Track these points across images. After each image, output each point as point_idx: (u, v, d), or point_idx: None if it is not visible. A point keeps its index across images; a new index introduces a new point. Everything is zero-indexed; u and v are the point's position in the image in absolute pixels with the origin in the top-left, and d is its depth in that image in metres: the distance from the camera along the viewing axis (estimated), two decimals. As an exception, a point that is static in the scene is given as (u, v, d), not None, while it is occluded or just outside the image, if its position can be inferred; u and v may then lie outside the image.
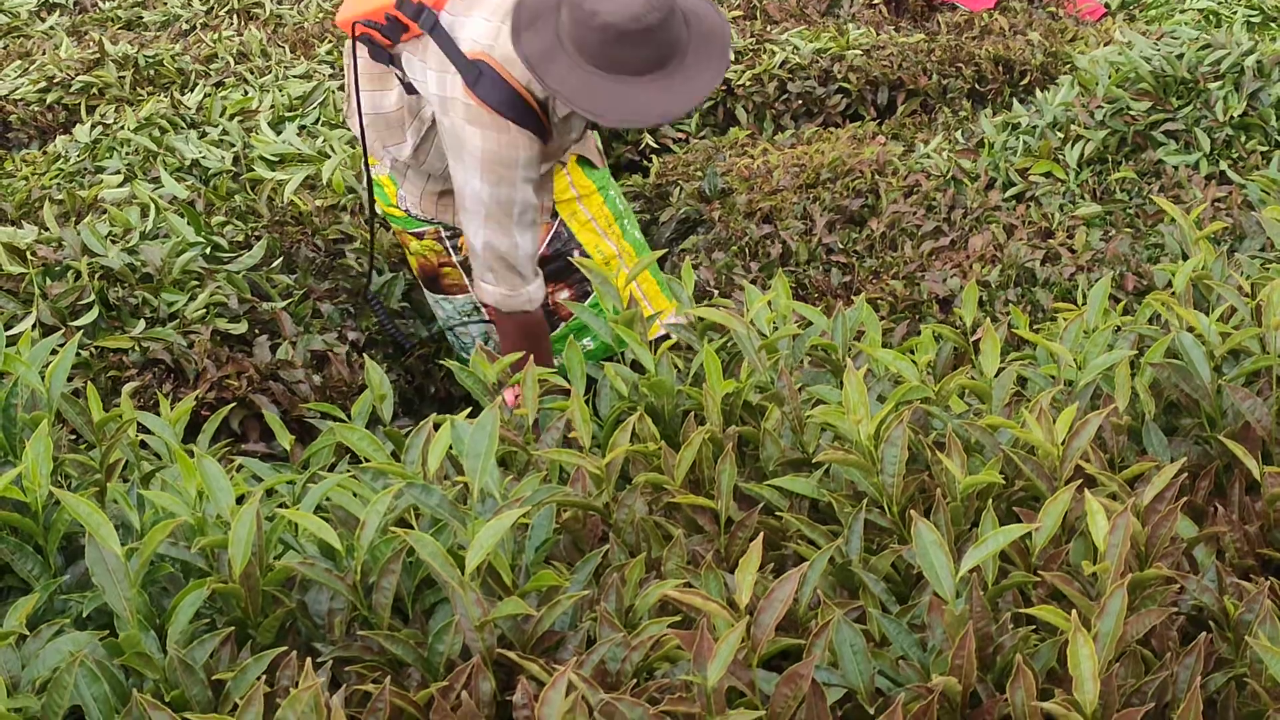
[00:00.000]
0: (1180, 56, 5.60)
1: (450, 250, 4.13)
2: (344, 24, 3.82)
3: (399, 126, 3.92)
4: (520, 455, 2.67)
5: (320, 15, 8.55)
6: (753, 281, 4.89)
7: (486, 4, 3.69)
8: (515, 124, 3.63)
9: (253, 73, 7.00)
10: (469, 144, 3.64)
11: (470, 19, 3.68)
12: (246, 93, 6.50)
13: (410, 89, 3.83)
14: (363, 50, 3.85)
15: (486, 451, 2.18)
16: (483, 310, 4.15)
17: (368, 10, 3.74)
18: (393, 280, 4.63)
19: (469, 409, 2.71)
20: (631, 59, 3.44)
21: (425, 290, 4.41)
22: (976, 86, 6.98)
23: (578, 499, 2.39)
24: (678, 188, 5.86)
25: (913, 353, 2.92)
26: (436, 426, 2.38)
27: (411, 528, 2.25)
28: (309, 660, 1.83)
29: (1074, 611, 1.80)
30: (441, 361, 3.39)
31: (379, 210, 4.21)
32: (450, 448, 2.33)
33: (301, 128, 6.01)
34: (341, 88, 6.37)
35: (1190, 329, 2.64)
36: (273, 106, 6.20)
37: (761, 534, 2.03)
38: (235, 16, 8.61)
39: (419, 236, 4.17)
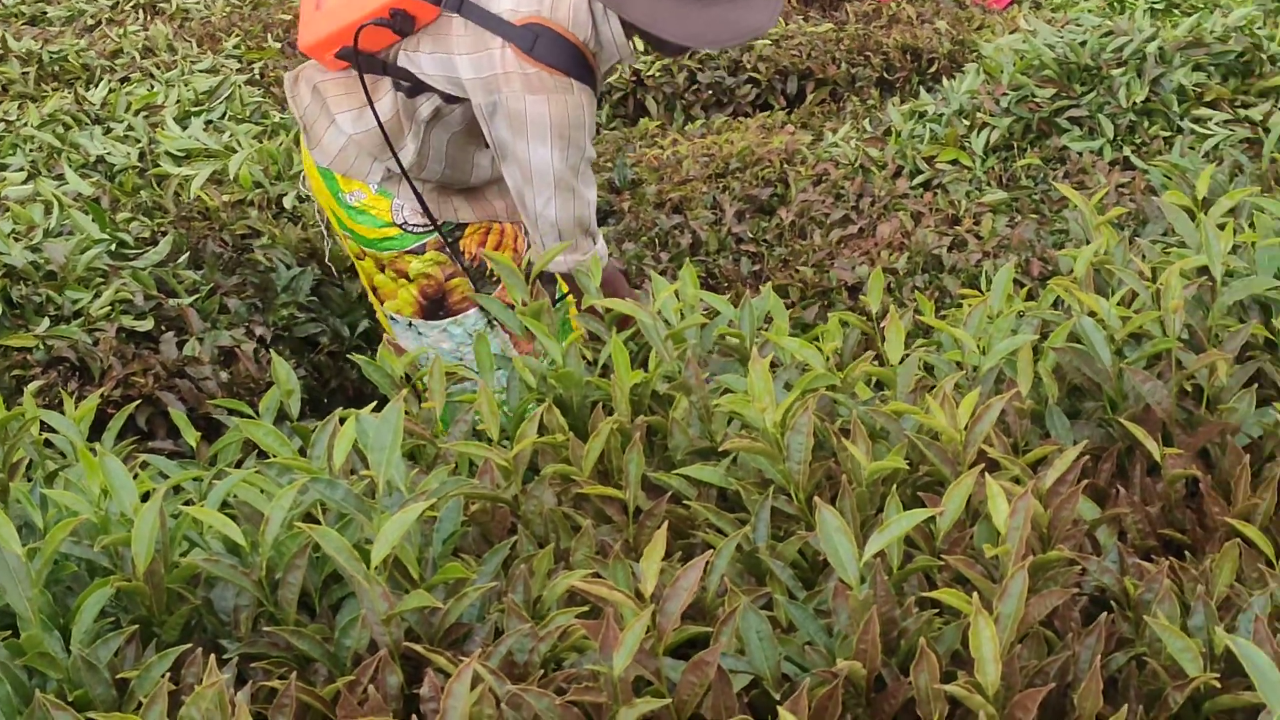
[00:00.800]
0: (1084, 44, 5.65)
1: (455, 256, 3.89)
2: (322, 45, 3.64)
3: (398, 133, 3.72)
4: (429, 448, 2.67)
5: (228, 9, 8.50)
6: (663, 272, 4.90)
7: None
8: (578, 82, 3.48)
9: (158, 68, 6.94)
10: (534, 115, 3.47)
11: None
12: (152, 88, 6.44)
13: (414, 88, 3.65)
14: (332, 74, 3.73)
15: (391, 445, 2.17)
16: (495, 324, 3.91)
17: (349, 21, 3.56)
18: (300, 275, 4.60)
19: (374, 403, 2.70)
20: None
21: (424, 324, 3.98)
22: (885, 75, 7.03)
23: (485, 491, 2.39)
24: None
25: (820, 340, 2.93)
26: (343, 421, 2.37)
27: (319, 523, 2.25)
28: (213, 657, 1.82)
29: (975, 594, 1.81)
30: (351, 357, 3.39)
31: (358, 245, 3.92)
32: (356, 442, 2.33)
33: (208, 123, 5.98)
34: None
35: (1091, 313, 2.67)
36: (178, 101, 6.16)
37: (667, 523, 2.03)
38: (141, 11, 8.54)
39: (419, 252, 3.88)
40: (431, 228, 3.81)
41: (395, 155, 3.66)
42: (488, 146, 3.72)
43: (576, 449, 2.49)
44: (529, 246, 3.81)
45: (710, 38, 3.44)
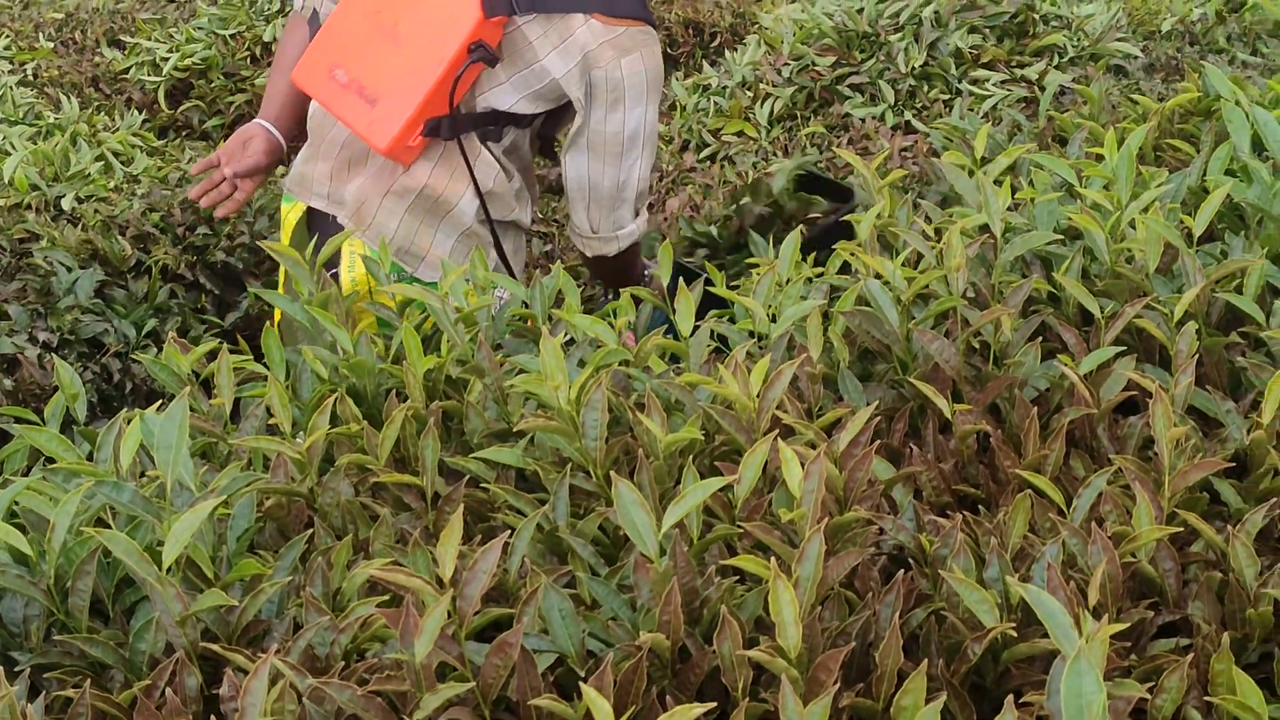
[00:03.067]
0: (861, 11, 5.72)
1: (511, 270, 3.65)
2: (408, 129, 3.31)
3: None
4: (220, 445, 2.62)
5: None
6: (454, 256, 4.87)
7: None
8: (650, 25, 3.39)
9: (-74, 71, 6.76)
10: (631, 78, 3.33)
11: None
12: (-80, 92, 6.27)
13: (498, 129, 3.43)
14: (400, 173, 3.44)
15: (178, 443, 2.12)
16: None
17: (430, 86, 3.25)
18: (83, 277, 4.49)
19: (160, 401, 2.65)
20: None
21: None
22: (668, 50, 7.04)
23: (279, 485, 2.36)
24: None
25: (614, 315, 2.93)
26: (129, 422, 2.32)
27: (109, 527, 2.19)
28: (1, 670, 1.77)
29: (773, 559, 1.82)
30: (136, 357, 3.32)
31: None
32: (145, 443, 2.27)
33: (-21, 126, 5.82)
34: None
35: (877, 276, 2.69)
36: (-53, 105, 6.00)
37: (464, 506, 2.02)
38: (-94, 13, 8.30)
39: None
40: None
41: (488, 212, 3.49)
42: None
43: (372, 438, 2.46)
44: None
45: None
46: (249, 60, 6.96)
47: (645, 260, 3.91)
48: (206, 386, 2.80)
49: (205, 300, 4.98)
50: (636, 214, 3.53)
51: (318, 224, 3.53)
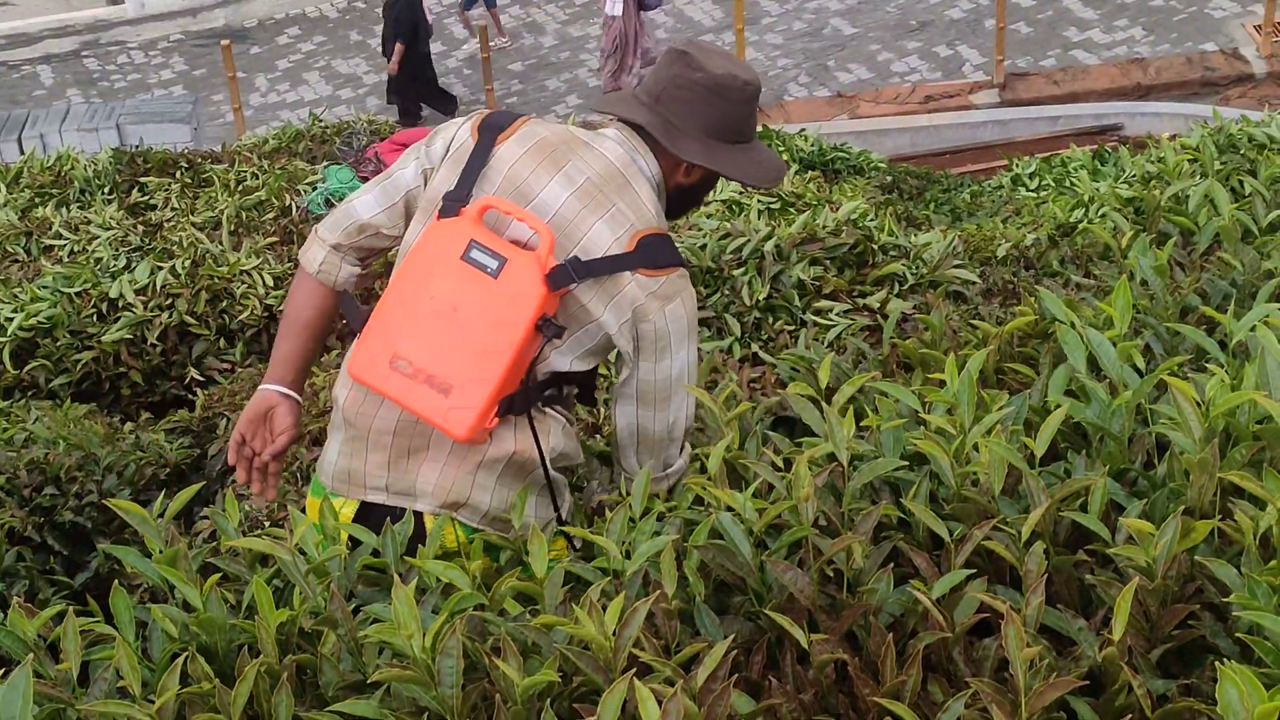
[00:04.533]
0: (704, 247, 5.82)
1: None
2: (487, 409, 3.18)
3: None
4: (69, 712, 2.56)
5: None
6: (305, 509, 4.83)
7: (592, 215, 3.28)
8: (685, 268, 3.37)
9: None
10: (675, 323, 3.29)
11: (591, 229, 3.26)
12: None
13: (556, 393, 3.38)
14: (474, 454, 3.32)
15: (22, 713, 2.08)
16: None
17: (504, 367, 3.16)
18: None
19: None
20: (750, 122, 3.43)
21: None
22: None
23: (129, 751, 2.30)
24: (224, 419, 5.78)
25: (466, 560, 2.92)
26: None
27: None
28: None
29: (635, 802, 1.80)
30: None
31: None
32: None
33: None
34: None
35: (729, 508, 2.71)
36: None
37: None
38: None
39: None
40: None
41: (548, 472, 3.38)
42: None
43: (224, 696, 2.41)
44: None
45: (758, 175, 3.43)
46: (95, 318, 6.92)
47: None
48: (54, 650, 2.74)
49: (54, 561, 4.89)
50: (682, 450, 3.53)
51: (375, 517, 3.30)
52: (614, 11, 17.42)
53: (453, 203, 3.23)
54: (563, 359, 3.30)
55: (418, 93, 17.89)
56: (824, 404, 3.01)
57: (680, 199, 3.50)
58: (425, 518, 3.27)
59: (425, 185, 3.35)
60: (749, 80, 3.36)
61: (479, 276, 3.16)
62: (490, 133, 3.32)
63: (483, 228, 3.19)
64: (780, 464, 2.94)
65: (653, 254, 3.26)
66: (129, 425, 6.09)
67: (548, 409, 3.36)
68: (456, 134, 3.35)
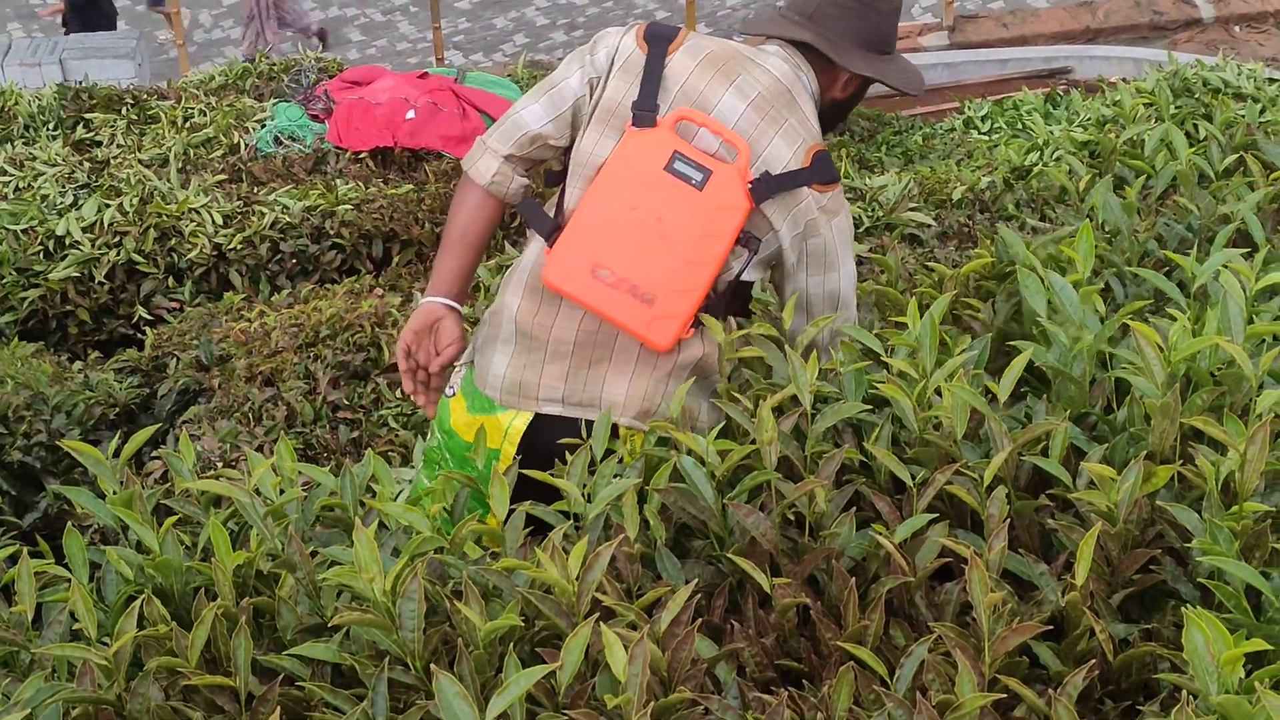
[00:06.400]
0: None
1: None
2: (688, 317, 3.20)
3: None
4: (23, 654, 2.53)
5: None
6: (259, 448, 4.80)
7: (771, 129, 3.26)
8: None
9: None
10: (841, 235, 3.33)
11: (771, 144, 3.25)
12: None
13: (737, 304, 3.42)
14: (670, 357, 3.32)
15: (-22, 656, 2.05)
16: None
17: (705, 280, 3.18)
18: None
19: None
20: (895, 33, 3.47)
21: None
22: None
23: (85, 694, 2.27)
24: (174, 358, 5.73)
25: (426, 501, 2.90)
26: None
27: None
28: None
29: (602, 747, 1.79)
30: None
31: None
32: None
33: None
34: None
35: (690, 452, 2.70)
36: None
37: (279, 708, 1.96)
38: None
39: None
40: None
41: None
42: None
43: (181, 639, 2.39)
44: None
45: (913, 82, 3.46)
46: (42, 255, 6.85)
47: None
48: (6, 592, 2.71)
49: (2, 501, 4.85)
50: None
51: (549, 430, 3.31)
52: None
53: (645, 113, 3.21)
54: (744, 268, 3.29)
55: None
56: (787, 346, 3.00)
57: (834, 113, 3.50)
58: (615, 429, 3.23)
59: (592, 94, 3.32)
60: None
61: (684, 188, 3.16)
62: (659, 43, 3.29)
63: (681, 139, 3.19)
64: (748, 405, 2.92)
65: (824, 169, 3.27)
66: (77, 364, 6.03)
67: (731, 318, 3.32)
68: (621, 43, 3.31)
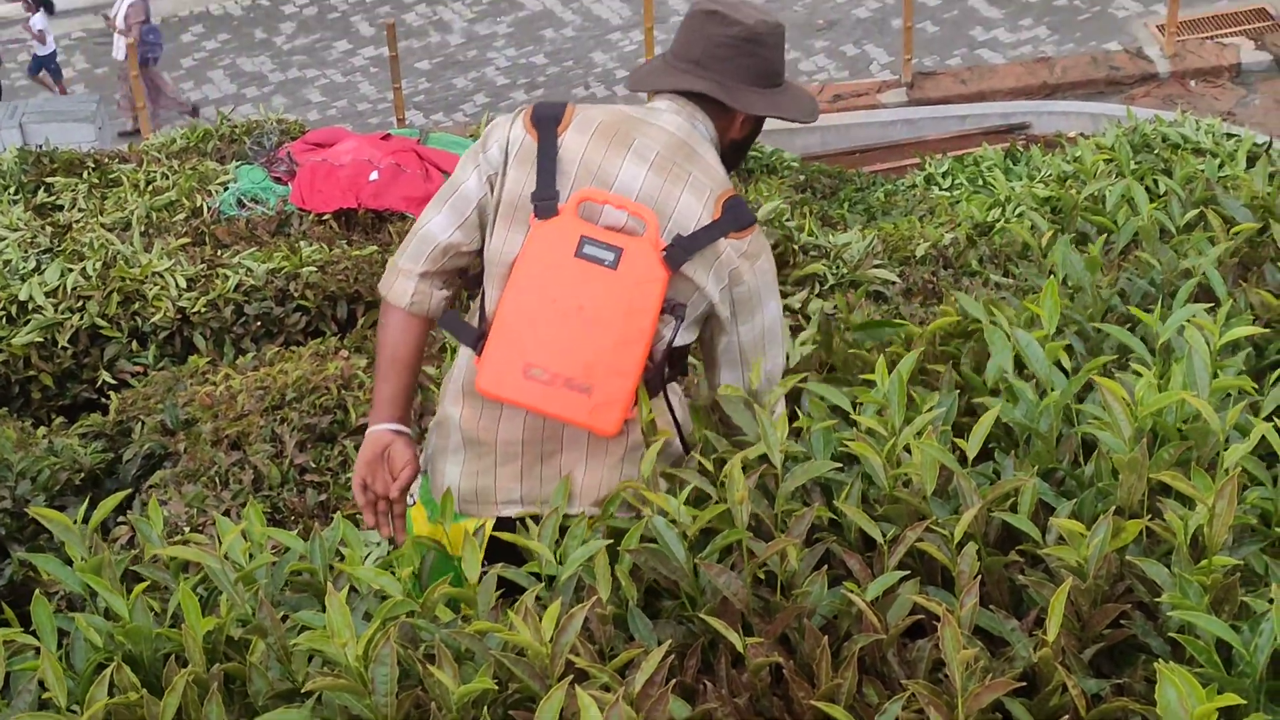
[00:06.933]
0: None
1: None
2: (628, 398, 3.16)
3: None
4: (-7, 723, 2.52)
5: None
6: (226, 512, 4.78)
7: (675, 188, 3.24)
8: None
9: None
10: (763, 276, 3.30)
11: (679, 202, 3.22)
12: None
13: (680, 367, 3.42)
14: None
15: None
16: None
17: (636, 360, 3.14)
18: None
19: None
20: (783, 63, 3.43)
21: None
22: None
23: (57, 764, 2.26)
24: (139, 423, 5.71)
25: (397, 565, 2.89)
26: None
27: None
28: None
29: (580, 811, 1.79)
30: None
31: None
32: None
33: None
34: None
35: (662, 512, 2.70)
36: None
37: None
38: None
39: None
40: None
41: (686, 444, 3.39)
42: None
43: (152, 707, 2.38)
44: None
45: (807, 111, 3.43)
46: (4, 320, 6.83)
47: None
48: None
49: (-34, 570, 4.82)
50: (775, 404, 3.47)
51: (513, 529, 3.17)
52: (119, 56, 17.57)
53: (545, 202, 3.19)
54: (675, 334, 3.26)
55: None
56: (755, 405, 3.01)
57: (735, 154, 3.48)
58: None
59: (493, 191, 3.28)
60: (777, 22, 3.39)
61: (598, 270, 3.13)
62: (548, 126, 3.27)
63: (586, 222, 3.17)
64: (710, 468, 2.93)
65: (738, 215, 3.24)
66: (41, 430, 6.00)
67: (676, 385, 3.35)
68: (511, 133, 3.28)
